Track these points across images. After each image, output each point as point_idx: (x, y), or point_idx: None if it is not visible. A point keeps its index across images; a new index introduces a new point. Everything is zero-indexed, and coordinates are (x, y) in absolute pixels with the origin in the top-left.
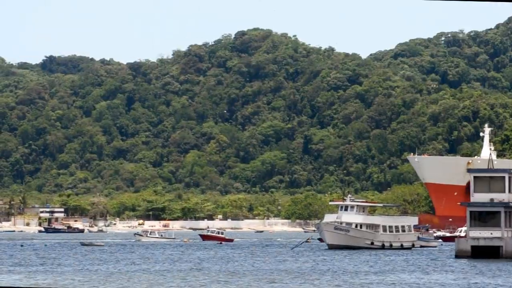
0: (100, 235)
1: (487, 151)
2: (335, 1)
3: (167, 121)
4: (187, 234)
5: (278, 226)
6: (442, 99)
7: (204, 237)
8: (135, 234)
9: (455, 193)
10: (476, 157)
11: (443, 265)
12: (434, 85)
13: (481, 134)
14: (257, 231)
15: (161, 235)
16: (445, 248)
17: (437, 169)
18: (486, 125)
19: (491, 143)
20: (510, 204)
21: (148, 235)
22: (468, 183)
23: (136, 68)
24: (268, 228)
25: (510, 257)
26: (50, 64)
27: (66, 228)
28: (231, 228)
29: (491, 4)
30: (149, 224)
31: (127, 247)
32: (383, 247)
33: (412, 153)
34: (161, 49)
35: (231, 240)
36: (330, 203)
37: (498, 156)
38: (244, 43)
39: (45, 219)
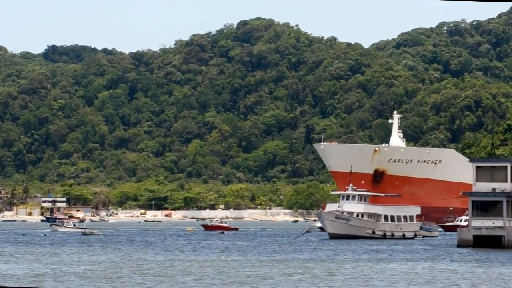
0: (102, 225)
1: (396, 138)
2: None
3: (169, 111)
4: (189, 223)
5: (280, 215)
6: (444, 89)
7: (207, 227)
8: (51, 224)
9: (362, 182)
10: (383, 144)
11: (445, 254)
12: (437, 75)
13: (389, 121)
14: (292, 221)
15: (74, 225)
16: (447, 237)
17: (343, 157)
18: (395, 112)
19: (397, 131)
20: None
21: (64, 225)
22: (375, 171)
23: (139, 58)
24: (270, 218)
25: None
26: (53, 54)
27: (67, 217)
28: (233, 218)
29: None
30: (151, 214)
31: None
32: (384, 236)
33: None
34: (163, 38)
35: (236, 229)
36: (332, 192)
37: (501, 145)
38: (247, 32)
39: (47, 208)
